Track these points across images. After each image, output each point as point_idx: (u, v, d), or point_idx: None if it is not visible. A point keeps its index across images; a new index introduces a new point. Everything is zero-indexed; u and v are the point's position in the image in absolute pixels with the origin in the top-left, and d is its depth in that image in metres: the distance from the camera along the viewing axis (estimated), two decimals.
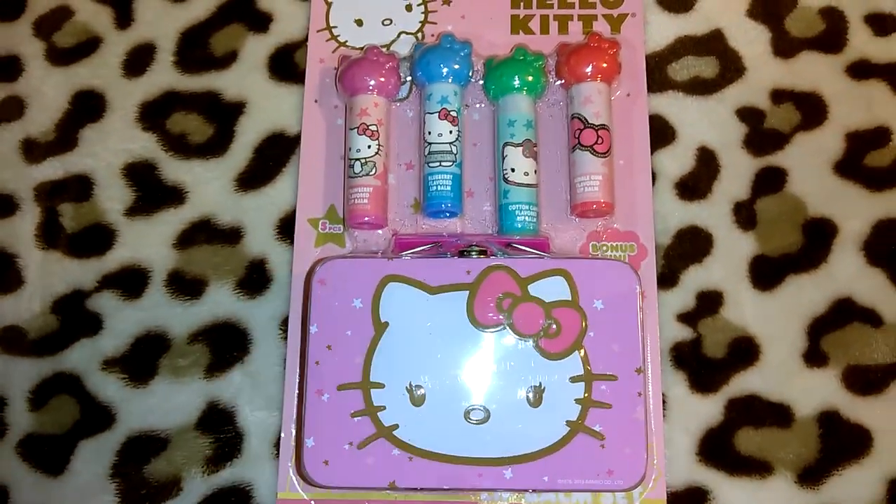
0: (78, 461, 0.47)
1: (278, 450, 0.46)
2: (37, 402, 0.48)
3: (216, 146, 0.51)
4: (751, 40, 0.52)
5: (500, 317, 0.42)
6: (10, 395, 0.48)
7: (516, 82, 0.47)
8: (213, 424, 0.47)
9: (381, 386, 0.42)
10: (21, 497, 0.46)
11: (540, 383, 0.42)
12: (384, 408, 0.42)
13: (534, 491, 0.43)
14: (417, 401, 0.42)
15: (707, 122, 0.50)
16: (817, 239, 0.48)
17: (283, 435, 0.45)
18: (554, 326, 0.42)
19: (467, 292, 0.42)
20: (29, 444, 0.47)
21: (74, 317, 0.49)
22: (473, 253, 0.44)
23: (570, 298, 0.42)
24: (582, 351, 0.42)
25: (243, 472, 0.46)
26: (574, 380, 0.42)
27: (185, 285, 0.49)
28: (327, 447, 0.42)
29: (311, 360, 0.42)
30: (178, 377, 0.47)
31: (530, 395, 0.42)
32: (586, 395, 0.42)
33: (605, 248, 0.47)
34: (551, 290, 0.43)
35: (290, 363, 0.46)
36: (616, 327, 0.42)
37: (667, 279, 0.48)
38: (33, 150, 0.51)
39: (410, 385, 0.42)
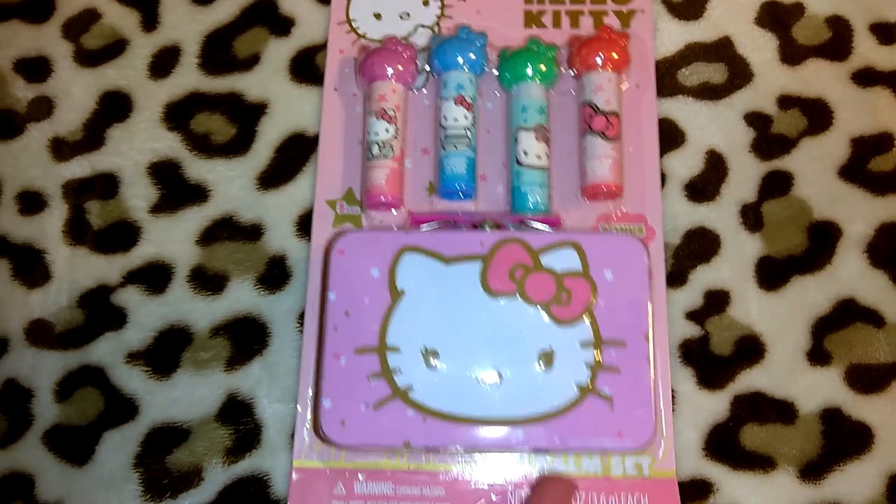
0: (102, 451, 0.47)
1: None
2: (63, 393, 0.48)
3: (238, 146, 0.52)
4: (759, 47, 0.53)
5: (513, 285, 0.43)
6: (36, 387, 0.48)
7: (529, 70, 0.48)
8: (232, 416, 0.48)
9: (396, 350, 0.43)
10: (47, 486, 0.47)
11: (550, 346, 0.43)
12: (399, 371, 0.43)
13: (544, 452, 0.44)
14: (432, 364, 0.43)
15: (716, 126, 0.51)
16: (822, 241, 0.49)
17: (298, 409, 0.46)
18: (565, 295, 0.43)
19: (481, 262, 0.44)
20: (55, 435, 0.48)
21: (100, 311, 0.49)
22: (487, 226, 0.45)
23: (580, 269, 0.44)
24: (592, 317, 0.43)
25: (261, 462, 0.47)
26: (584, 345, 0.43)
27: (208, 281, 0.50)
28: (344, 408, 0.42)
29: (329, 326, 0.43)
30: (199, 370, 0.48)
31: (542, 359, 0.43)
32: (596, 359, 0.43)
33: (614, 229, 0.48)
34: (563, 261, 0.44)
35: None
36: (625, 296, 0.43)
37: (675, 278, 0.48)
38: (62, 149, 0.52)
39: (425, 349, 0.43)
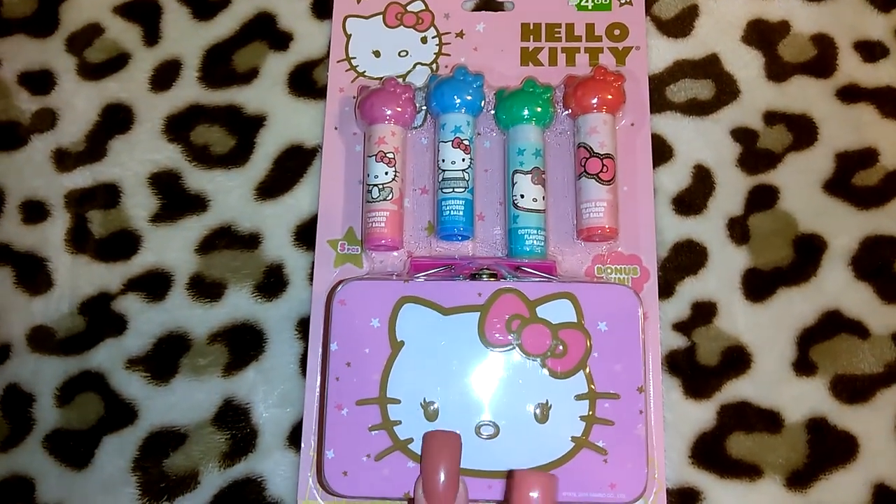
0: (102, 455, 0.48)
1: (290, 444, 0.48)
2: (63, 398, 0.49)
3: (237, 157, 0.53)
4: (745, 64, 0.53)
5: (510, 337, 0.44)
6: (38, 392, 0.49)
7: (525, 113, 0.48)
8: (229, 420, 0.48)
9: (397, 401, 0.43)
10: (47, 489, 0.48)
11: (546, 401, 0.43)
12: (400, 422, 0.43)
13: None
14: (431, 416, 0.43)
15: (703, 141, 0.52)
16: (807, 254, 0.50)
17: (303, 445, 0.47)
18: (560, 347, 0.43)
19: (478, 313, 0.44)
20: (55, 439, 0.49)
21: (101, 318, 0.50)
22: (484, 276, 0.45)
23: (575, 320, 0.44)
24: (587, 370, 0.43)
25: (257, 466, 0.48)
26: (579, 398, 0.43)
27: (206, 288, 0.51)
28: (346, 459, 0.43)
29: (331, 376, 0.44)
30: (197, 376, 0.49)
31: (537, 411, 0.43)
32: (590, 412, 0.43)
33: (609, 270, 0.49)
34: (558, 312, 0.44)
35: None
36: (619, 348, 0.44)
37: (663, 290, 0.49)
38: (64, 160, 0.53)
39: (425, 401, 0.43)
